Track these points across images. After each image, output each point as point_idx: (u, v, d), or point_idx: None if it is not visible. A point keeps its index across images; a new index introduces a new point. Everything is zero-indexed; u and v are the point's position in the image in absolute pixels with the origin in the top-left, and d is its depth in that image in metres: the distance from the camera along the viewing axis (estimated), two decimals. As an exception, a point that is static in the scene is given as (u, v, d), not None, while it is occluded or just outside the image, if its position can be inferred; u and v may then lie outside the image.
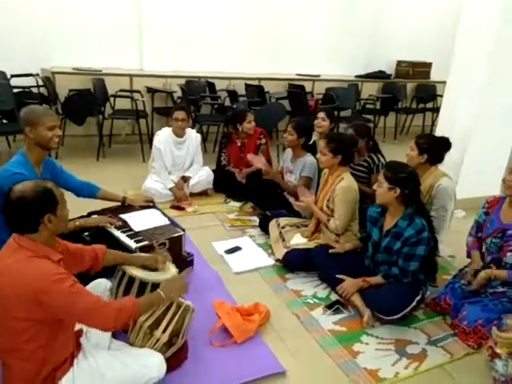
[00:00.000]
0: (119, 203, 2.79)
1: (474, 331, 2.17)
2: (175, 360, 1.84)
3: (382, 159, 3.35)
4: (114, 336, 1.82)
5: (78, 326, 1.68)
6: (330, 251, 2.58)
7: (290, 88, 5.97)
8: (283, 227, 3.01)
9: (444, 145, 2.80)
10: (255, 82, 5.88)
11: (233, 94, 5.55)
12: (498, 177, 3.94)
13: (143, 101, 5.05)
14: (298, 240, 2.91)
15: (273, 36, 6.28)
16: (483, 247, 2.44)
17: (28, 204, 1.41)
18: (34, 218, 1.42)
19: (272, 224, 3.08)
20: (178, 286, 1.79)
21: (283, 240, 2.92)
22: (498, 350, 1.81)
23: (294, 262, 2.76)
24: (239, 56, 6.22)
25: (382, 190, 2.27)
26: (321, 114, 3.65)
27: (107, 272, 1.97)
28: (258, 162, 3.53)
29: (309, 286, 2.64)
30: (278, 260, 2.85)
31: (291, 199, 3.04)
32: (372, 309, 2.31)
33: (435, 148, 2.76)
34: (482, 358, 2.07)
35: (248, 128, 3.89)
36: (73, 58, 5.32)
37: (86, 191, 2.64)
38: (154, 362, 1.65)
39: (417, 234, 2.20)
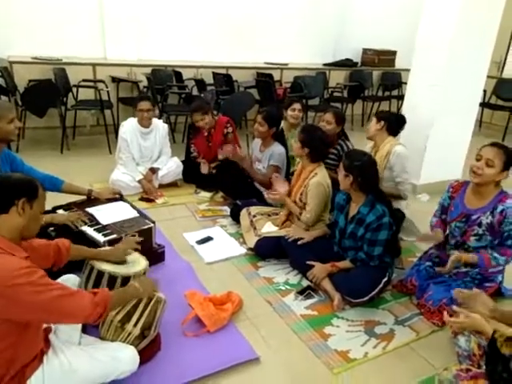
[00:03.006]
0: (85, 196, 2.72)
1: (438, 310, 2.26)
2: (148, 352, 1.83)
3: (350, 146, 3.40)
4: (85, 331, 1.79)
5: (46, 324, 1.64)
6: (299, 243, 2.60)
7: (258, 77, 5.95)
8: (254, 216, 3.03)
9: (400, 120, 3.16)
10: (223, 71, 5.81)
11: (200, 83, 5.47)
12: (459, 162, 4.13)
13: (108, 91, 4.91)
14: (269, 228, 2.93)
15: (240, 24, 6.22)
16: (447, 230, 2.53)
17: (8, 182, 1.41)
18: (9, 197, 1.38)
19: (243, 213, 3.08)
20: (149, 283, 1.80)
21: (254, 228, 2.93)
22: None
23: (265, 250, 2.78)
24: (206, 44, 6.14)
25: (340, 176, 2.36)
26: (297, 106, 3.62)
27: (75, 268, 1.93)
28: (227, 152, 3.50)
29: (280, 273, 2.67)
30: (249, 249, 2.87)
31: (265, 193, 3.05)
32: (342, 292, 2.37)
33: (392, 119, 3.10)
34: (446, 335, 2.17)
35: (201, 125, 3.76)
36: (32, 46, 5.09)
37: (49, 184, 2.54)
38: (126, 355, 1.63)
39: (377, 219, 2.26)
